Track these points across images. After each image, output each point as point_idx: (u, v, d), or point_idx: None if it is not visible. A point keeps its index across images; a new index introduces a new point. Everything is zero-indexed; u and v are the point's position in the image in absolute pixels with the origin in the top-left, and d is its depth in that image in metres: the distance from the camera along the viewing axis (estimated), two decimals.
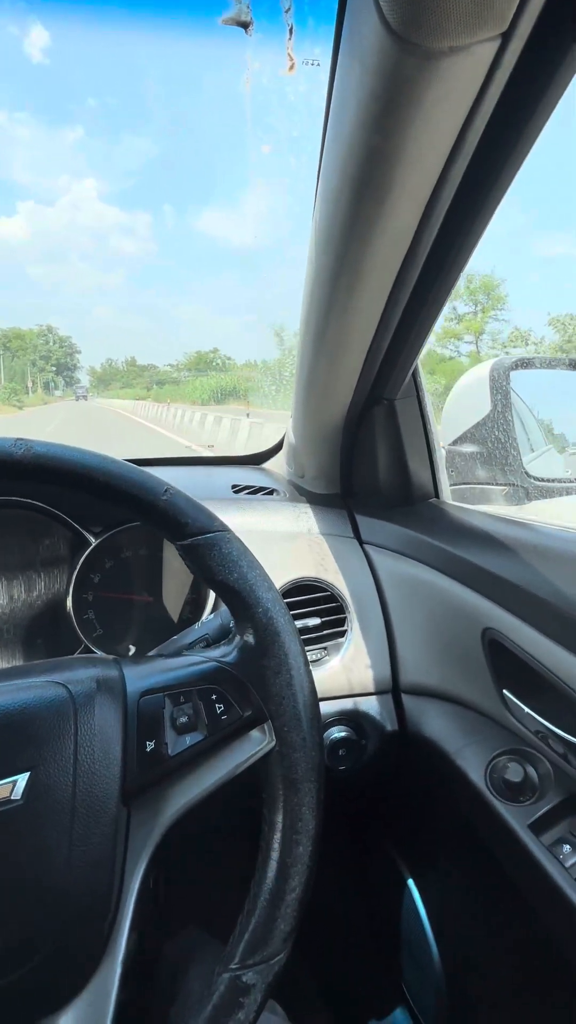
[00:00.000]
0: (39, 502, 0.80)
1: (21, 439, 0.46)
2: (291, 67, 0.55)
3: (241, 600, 0.48)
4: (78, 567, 0.80)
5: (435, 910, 0.86)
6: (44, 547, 0.85)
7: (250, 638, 0.49)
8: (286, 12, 0.51)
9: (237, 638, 0.50)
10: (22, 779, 0.40)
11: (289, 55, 0.54)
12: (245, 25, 0.53)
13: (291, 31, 0.52)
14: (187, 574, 0.88)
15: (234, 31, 0.56)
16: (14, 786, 0.40)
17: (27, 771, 0.40)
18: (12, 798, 0.40)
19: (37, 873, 0.40)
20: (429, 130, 0.45)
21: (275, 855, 0.45)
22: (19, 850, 0.40)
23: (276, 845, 0.45)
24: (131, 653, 0.84)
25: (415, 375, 0.87)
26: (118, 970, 0.41)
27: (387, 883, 0.95)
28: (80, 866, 0.40)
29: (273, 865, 0.45)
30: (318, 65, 0.54)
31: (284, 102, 0.60)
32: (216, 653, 0.50)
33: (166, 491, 0.48)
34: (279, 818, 0.46)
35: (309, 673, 0.49)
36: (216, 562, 0.48)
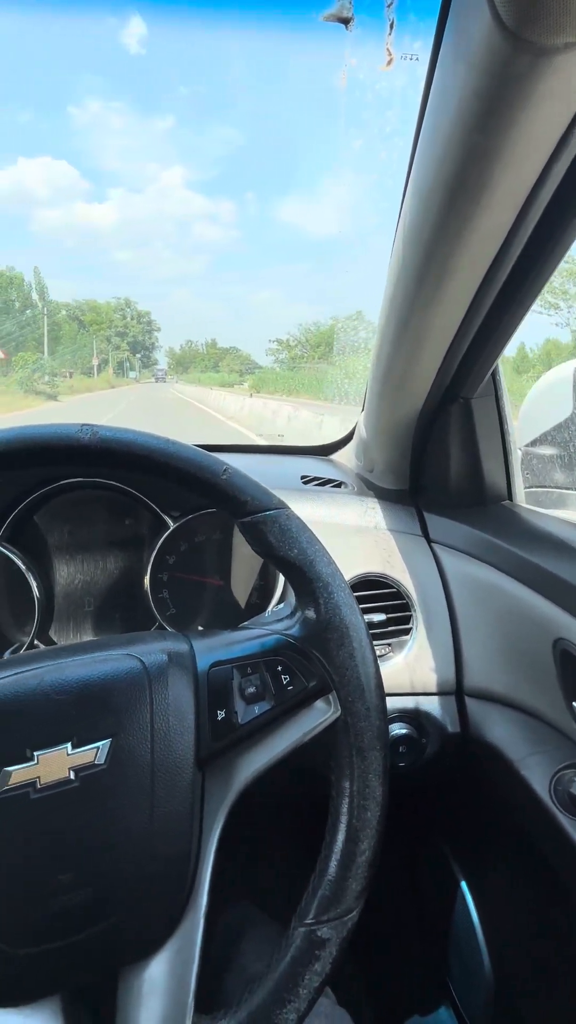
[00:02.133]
0: (124, 485, 0.84)
1: (87, 424, 0.48)
2: (389, 62, 0.54)
3: (301, 574, 0.50)
4: (157, 548, 0.83)
5: (488, 915, 0.86)
6: (125, 527, 0.89)
7: (311, 612, 0.50)
8: (388, 7, 0.51)
9: (299, 612, 0.51)
10: (104, 745, 0.43)
11: (388, 50, 0.53)
12: (345, 21, 0.53)
13: (391, 26, 0.52)
14: (256, 560, 0.90)
15: (333, 25, 0.56)
16: (97, 751, 0.43)
17: (109, 738, 0.43)
18: (96, 762, 0.43)
19: (123, 831, 0.43)
20: (534, 129, 0.43)
21: (344, 819, 0.47)
22: (105, 810, 0.43)
23: (345, 810, 0.47)
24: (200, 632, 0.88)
25: (495, 374, 0.85)
26: (201, 923, 0.44)
27: (439, 883, 0.95)
28: (162, 826, 0.43)
29: (342, 828, 0.46)
30: (416, 60, 0.54)
31: (379, 97, 0.59)
32: (279, 626, 0.52)
33: (225, 470, 0.50)
34: (347, 784, 0.47)
35: (371, 644, 0.49)
36: (276, 538, 0.49)
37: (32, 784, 0.41)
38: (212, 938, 0.60)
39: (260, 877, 0.94)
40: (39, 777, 0.41)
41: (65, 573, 0.87)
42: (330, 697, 0.49)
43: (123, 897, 0.43)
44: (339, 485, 1.05)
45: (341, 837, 0.46)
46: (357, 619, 0.49)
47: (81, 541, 0.88)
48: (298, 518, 0.51)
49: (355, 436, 1.12)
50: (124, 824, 0.43)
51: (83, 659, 0.47)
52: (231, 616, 0.90)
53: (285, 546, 0.49)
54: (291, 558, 0.49)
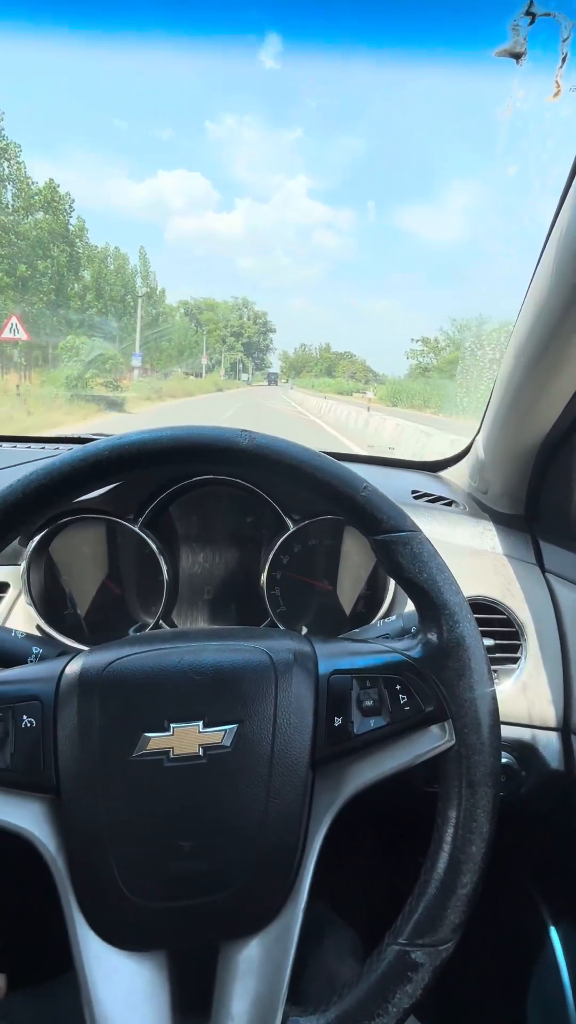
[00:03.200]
0: (252, 486, 0.89)
1: (245, 431, 0.52)
2: (556, 93, 0.55)
3: (429, 600, 0.50)
4: (275, 548, 0.88)
5: None
6: (248, 525, 0.95)
7: (433, 636, 0.50)
8: (563, 41, 0.51)
9: (421, 635, 0.51)
10: (231, 729, 0.47)
11: (557, 82, 0.54)
12: (518, 56, 0.54)
13: (564, 59, 0.52)
14: (365, 569, 0.92)
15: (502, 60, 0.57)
16: (225, 734, 0.47)
17: (235, 723, 0.47)
18: (223, 744, 0.46)
19: (239, 813, 0.46)
20: None
21: (447, 848, 0.47)
22: (225, 790, 0.46)
23: (449, 839, 0.47)
24: (304, 633, 0.91)
25: None
26: (300, 916, 0.46)
27: (524, 925, 0.91)
28: (275, 815, 0.46)
29: (445, 858, 0.47)
30: None
31: (542, 125, 0.59)
32: (400, 645, 0.52)
33: (364, 487, 0.51)
34: (453, 814, 0.47)
35: (491, 679, 0.49)
36: (407, 560, 0.50)
37: (166, 753, 0.46)
38: None
39: (338, 880, 0.95)
40: (172, 748, 0.46)
41: (190, 561, 0.94)
42: (445, 725, 0.49)
43: (234, 875, 0.46)
44: (450, 503, 1.04)
45: (443, 866, 0.46)
46: (480, 652, 0.49)
47: (207, 534, 0.95)
48: (430, 543, 0.51)
49: (471, 455, 1.11)
50: (242, 807, 0.46)
51: (218, 645, 0.51)
52: (336, 622, 0.92)
53: (415, 569, 0.50)
54: (420, 582, 0.50)
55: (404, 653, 0.51)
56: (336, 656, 0.52)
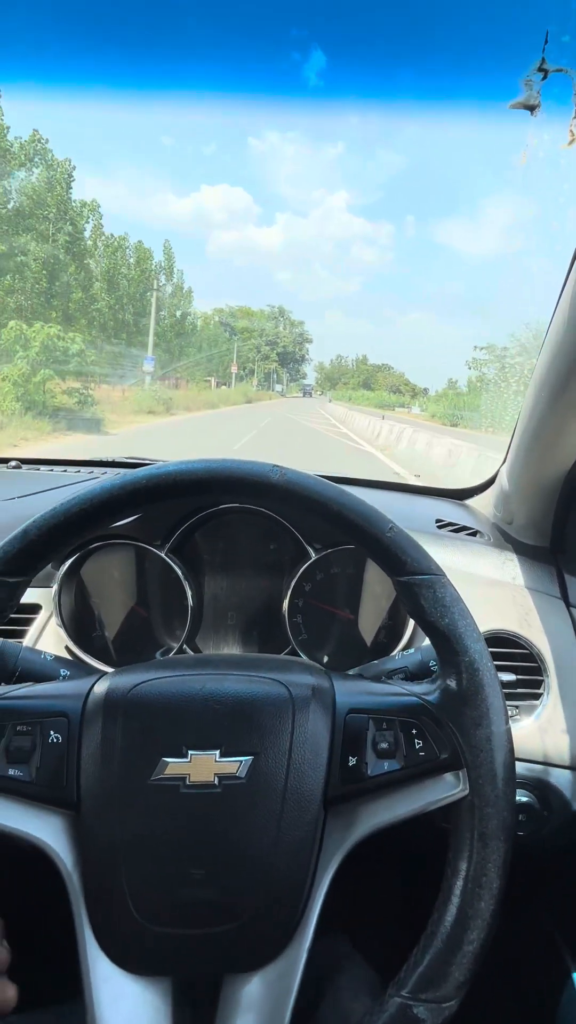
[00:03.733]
0: (275, 515, 0.90)
1: (277, 466, 0.53)
2: (571, 141, 0.55)
3: (449, 645, 0.49)
4: (297, 575, 0.89)
5: None
6: (270, 552, 0.96)
7: (452, 683, 0.49)
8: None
9: (440, 680, 0.51)
10: (247, 761, 0.47)
11: (571, 131, 0.55)
12: (532, 108, 0.55)
13: None
14: (386, 599, 0.92)
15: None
16: (240, 765, 0.47)
17: (251, 756, 0.48)
18: (238, 775, 0.47)
19: (250, 846, 0.46)
20: None
21: (456, 901, 0.46)
22: (238, 822, 0.47)
23: (458, 892, 0.46)
24: (325, 661, 0.92)
25: None
26: (304, 956, 0.46)
27: (546, 970, 0.88)
28: (285, 850, 0.46)
29: (453, 911, 0.46)
30: None
31: (556, 166, 0.60)
32: (418, 689, 0.52)
33: (390, 528, 0.51)
34: (463, 867, 0.46)
35: (509, 731, 0.48)
36: (429, 603, 0.49)
37: (183, 779, 0.47)
38: (311, 965, 0.63)
39: (358, 913, 0.95)
40: (189, 774, 0.47)
41: (214, 587, 0.96)
42: (460, 774, 0.48)
43: (242, 907, 0.46)
44: (474, 533, 1.03)
45: (450, 920, 0.45)
46: (499, 702, 0.48)
47: (231, 560, 0.97)
48: (453, 588, 0.51)
49: (495, 485, 1.10)
50: (253, 840, 0.47)
51: (238, 676, 0.52)
52: (357, 651, 0.93)
53: (437, 613, 0.50)
54: (441, 627, 0.50)
55: (422, 697, 0.51)
56: (354, 694, 0.52)
